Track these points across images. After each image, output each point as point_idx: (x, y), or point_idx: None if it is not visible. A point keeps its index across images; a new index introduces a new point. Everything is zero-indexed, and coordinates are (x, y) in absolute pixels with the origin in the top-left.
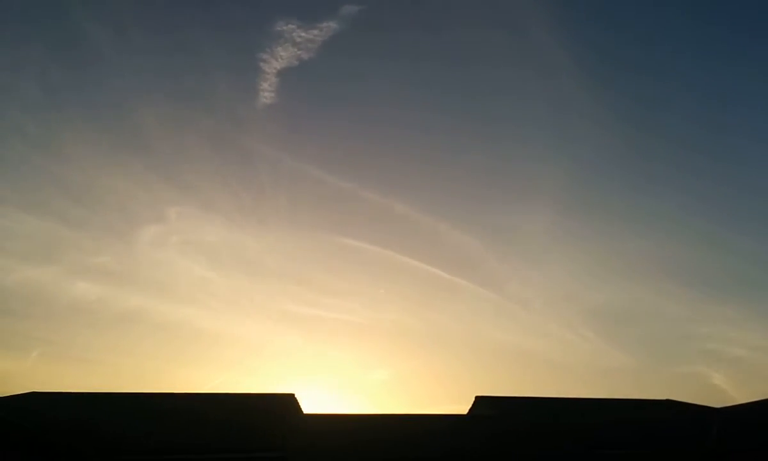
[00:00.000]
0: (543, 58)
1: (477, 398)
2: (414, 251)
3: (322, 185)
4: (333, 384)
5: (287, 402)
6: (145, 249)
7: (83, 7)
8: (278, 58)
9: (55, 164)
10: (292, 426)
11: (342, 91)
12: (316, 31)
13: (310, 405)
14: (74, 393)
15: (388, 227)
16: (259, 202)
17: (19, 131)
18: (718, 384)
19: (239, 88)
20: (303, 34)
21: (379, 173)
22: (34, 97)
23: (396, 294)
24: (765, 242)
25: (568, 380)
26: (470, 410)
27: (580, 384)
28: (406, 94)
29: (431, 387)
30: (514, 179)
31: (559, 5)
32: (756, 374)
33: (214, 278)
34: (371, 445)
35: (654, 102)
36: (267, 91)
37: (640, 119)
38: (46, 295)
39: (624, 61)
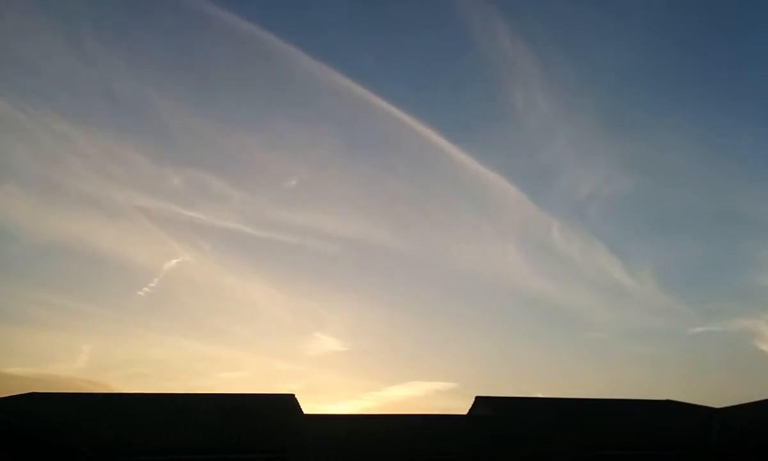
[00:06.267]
0: None
1: (477, 398)
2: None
3: None
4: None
5: (287, 402)
6: None
7: None
8: None
9: None
10: (292, 426)
11: None
12: None
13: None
14: (74, 393)
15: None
16: None
17: None
18: None
19: None
20: None
21: None
22: None
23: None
24: None
25: (599, 354)
26: (470, 410)
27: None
28: None
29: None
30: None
31: None
32: None
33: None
34: (371, 445)
35: None
36: None
37: None
38: None
39: None
